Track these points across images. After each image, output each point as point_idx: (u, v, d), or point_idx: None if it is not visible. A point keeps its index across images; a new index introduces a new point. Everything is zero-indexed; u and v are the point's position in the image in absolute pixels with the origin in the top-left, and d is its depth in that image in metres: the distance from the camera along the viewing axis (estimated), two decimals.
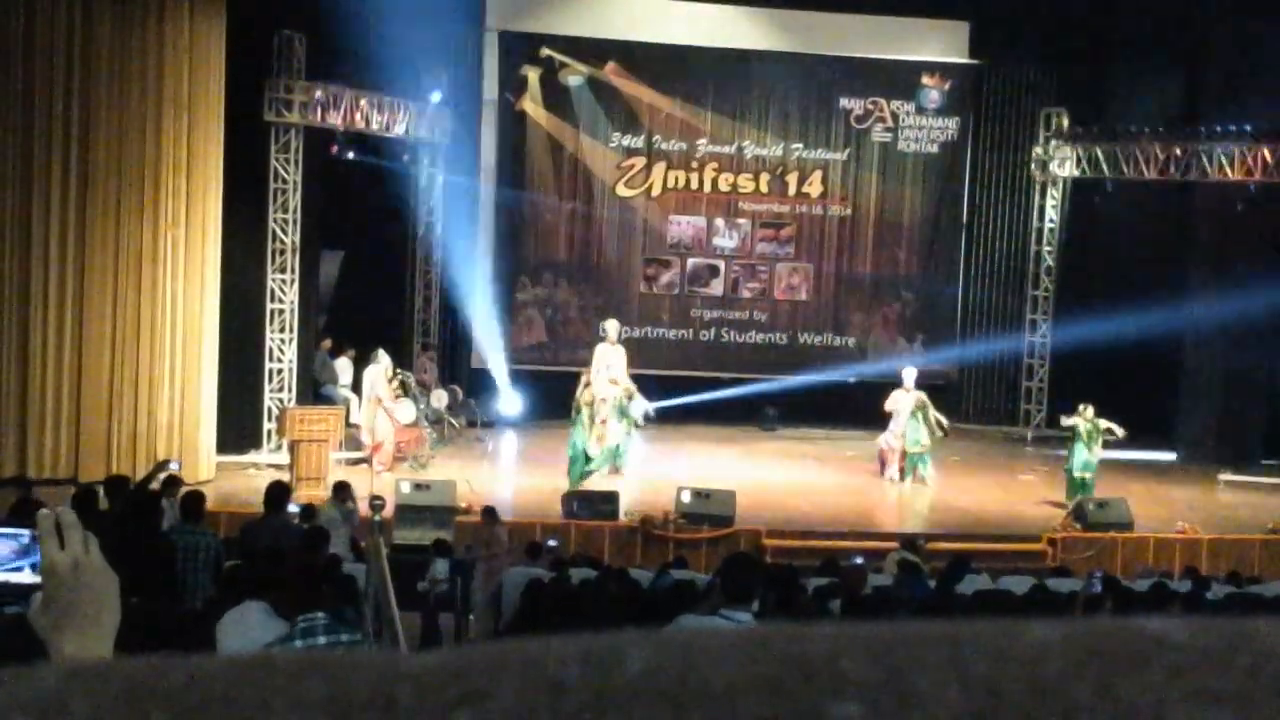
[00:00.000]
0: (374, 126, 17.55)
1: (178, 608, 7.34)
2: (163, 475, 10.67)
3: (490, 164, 20.08)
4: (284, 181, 16.49)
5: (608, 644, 0.41)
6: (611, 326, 16.74)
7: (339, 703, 0.39)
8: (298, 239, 16.57)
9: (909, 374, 16.59)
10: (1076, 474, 15.26)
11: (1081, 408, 15.42)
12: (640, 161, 20.23)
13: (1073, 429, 15.38)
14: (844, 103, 20.40)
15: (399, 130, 18.08)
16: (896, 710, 0.38)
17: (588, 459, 15.44)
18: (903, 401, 16.30)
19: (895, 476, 16.38)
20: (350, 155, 17.74)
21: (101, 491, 9.73)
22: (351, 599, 7.35)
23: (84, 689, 0.40)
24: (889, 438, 16.45)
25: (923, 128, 20.49)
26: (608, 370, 16.15)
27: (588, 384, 15.91)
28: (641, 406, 16.51)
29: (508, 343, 19.93)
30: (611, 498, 13.87)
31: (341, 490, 11.46)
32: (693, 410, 18.98)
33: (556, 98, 19.97)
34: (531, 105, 19.95)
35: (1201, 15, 18.42)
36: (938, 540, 13.61)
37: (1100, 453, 15.27)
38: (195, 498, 9.04)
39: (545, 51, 19.80)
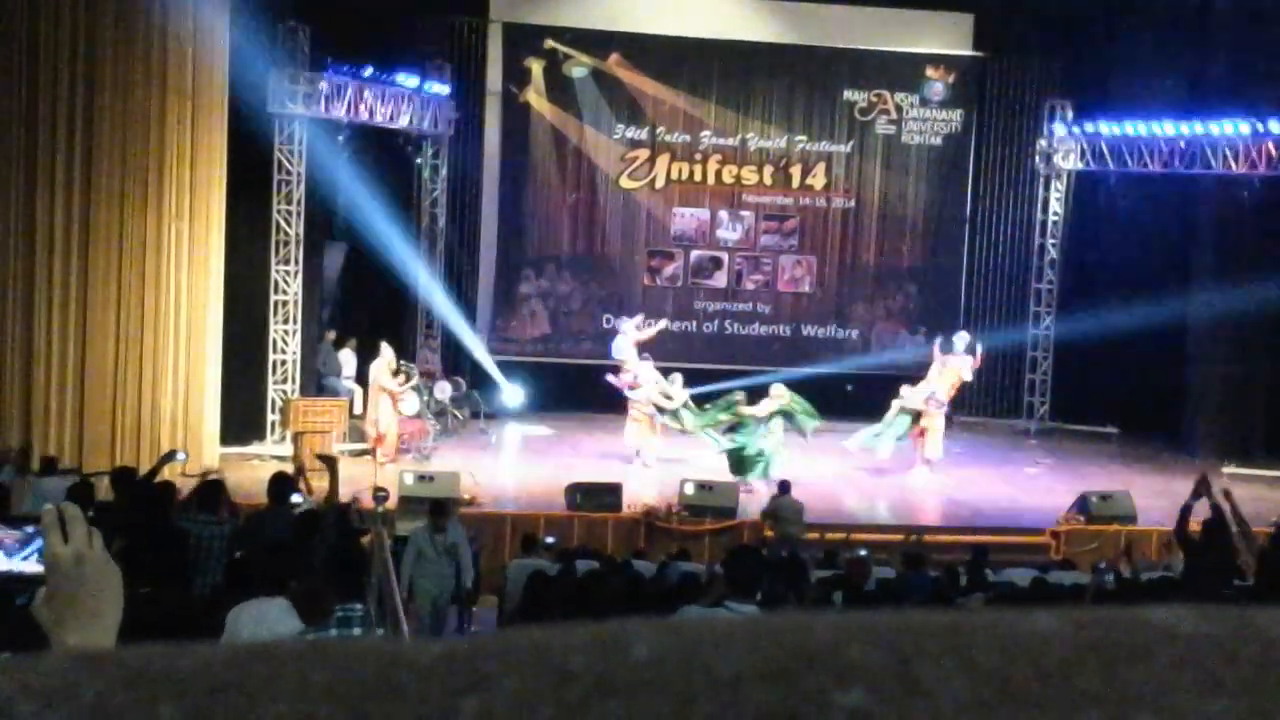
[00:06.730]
0: (378, 118, 17.54)
1: (187, 597, 7.34)
2: (168, 466, 10.67)
3: (494, 156, 20.07)
4: (288, 173, 16.49)
5: (614, 632, 0.42)
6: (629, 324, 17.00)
7: (345, 690, 0.40)
8: (301, 230, 16.58)
9: (961, 339, 16.65)
10: (751, 452, 15.20)
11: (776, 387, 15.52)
12: (644, 153, 20.21)
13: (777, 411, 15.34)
14: (848, 95, 20.37)
15: (403, 122, 18.07)
16: (902, 698, 0.38)
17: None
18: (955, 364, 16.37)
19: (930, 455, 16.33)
20: (354, 146, 17.73)
21: (107, 482, 9.71)
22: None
23: (91, 675, 0.40)
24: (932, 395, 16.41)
25: (926, 120, 20.46)
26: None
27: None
28: None
29: (510, 334, 19.95)
30: (615, 489, 13.87)
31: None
32: (695, 403, 18.93)
33: (560, 89, 19.95)
34: (535, 97, 19.94)
35: (1207, 6, 18.36)
36: (941, 533, 13.62)
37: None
38: (213, 486, 8.95)
39: (549, 43, 19.78)
